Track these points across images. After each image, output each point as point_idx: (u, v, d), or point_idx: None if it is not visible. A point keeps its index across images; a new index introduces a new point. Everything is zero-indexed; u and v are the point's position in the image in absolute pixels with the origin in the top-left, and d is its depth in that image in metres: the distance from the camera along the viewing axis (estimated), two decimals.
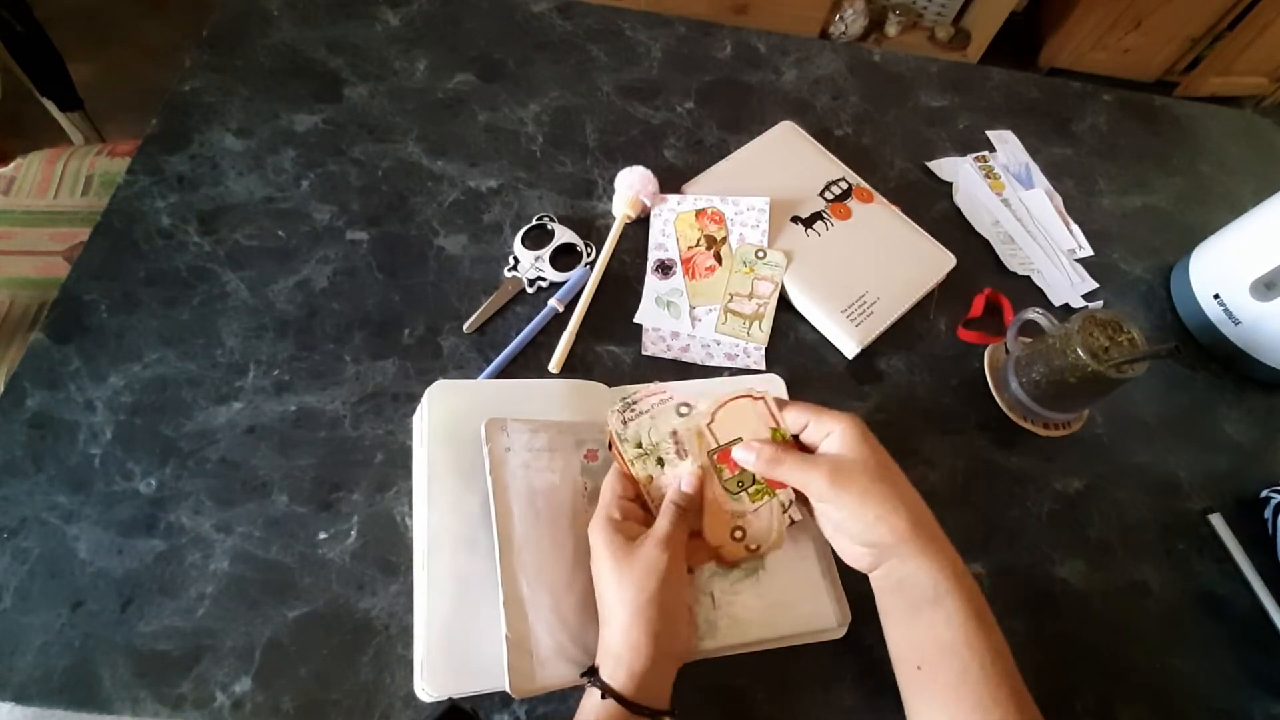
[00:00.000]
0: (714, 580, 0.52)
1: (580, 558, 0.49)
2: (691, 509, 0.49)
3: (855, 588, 0.54)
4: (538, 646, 0.47)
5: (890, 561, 0.45)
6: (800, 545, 0.55)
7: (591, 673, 0.45)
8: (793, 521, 0.50)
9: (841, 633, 0.53)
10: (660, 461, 0.50)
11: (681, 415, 0.50)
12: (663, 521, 0.47)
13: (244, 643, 0.49)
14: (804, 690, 0.52)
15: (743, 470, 0.49)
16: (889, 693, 0.52)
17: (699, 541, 0.50)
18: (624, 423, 0.50)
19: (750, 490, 0.50)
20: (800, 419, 0.48)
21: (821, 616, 0.52)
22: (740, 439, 0.49)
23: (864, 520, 0.44)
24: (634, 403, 0.51)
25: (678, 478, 0.49)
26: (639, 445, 0.50)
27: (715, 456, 0.49)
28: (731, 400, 0.50)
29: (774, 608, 0.52)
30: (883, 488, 0.44)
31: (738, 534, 0.49)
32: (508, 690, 0.45)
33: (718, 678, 0.51)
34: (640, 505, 0.51)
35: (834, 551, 0.55)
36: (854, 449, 0.45)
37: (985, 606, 0.44)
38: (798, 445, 0.49)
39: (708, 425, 0.50)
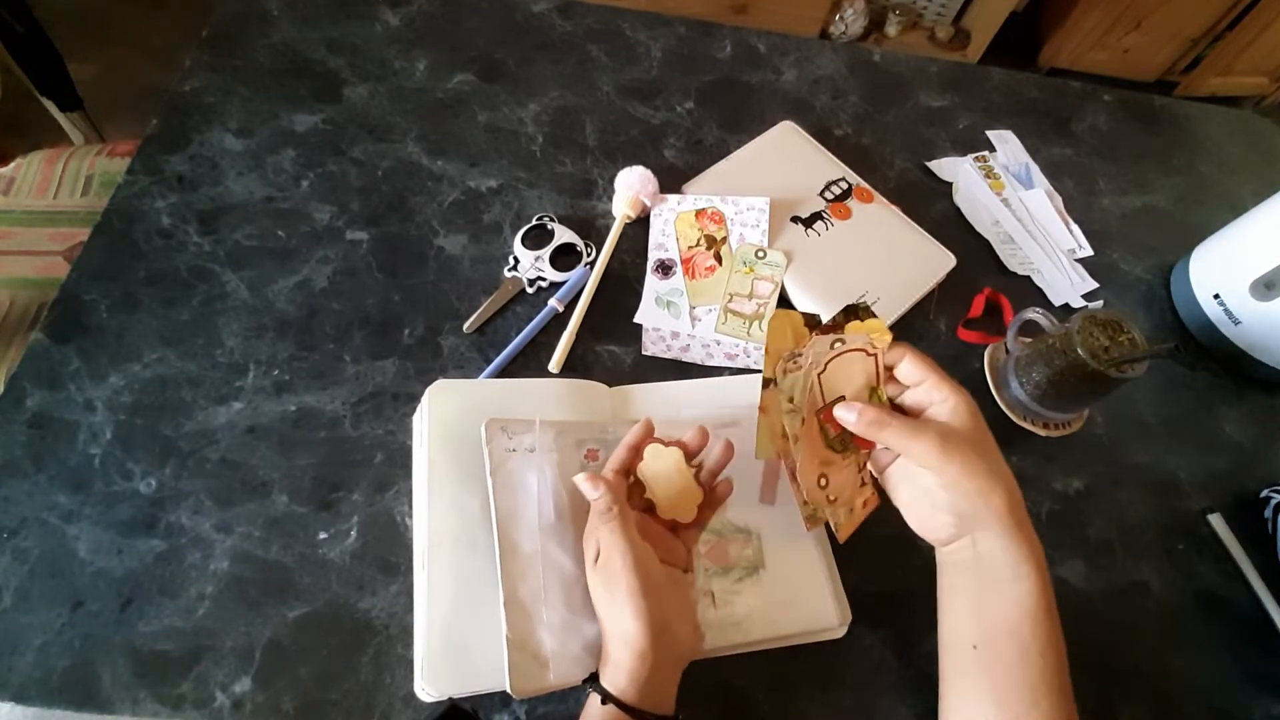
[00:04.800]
0: (714, 580, 0.52)
1: (579, 558, 0.49)
2: (622, 512, 0.47)
3: (855, 588, 0.54)
4: (539, 647, 0.47)
5: (973, 535, 0.44)
6: (801, 544, 0.55)
7: (593, 679, 0.45)
8: (862, 482, 0.49)
9: (842, 632, 0.53)
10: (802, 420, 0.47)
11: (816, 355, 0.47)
12: (608, 538, 0.46)
13: (244, 643, 0.49)
14: (804, 690, 0.52)
15: (844, 430, 0.47)
16: (889, 693, 0.53)
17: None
18: (784, 373, 0.47)
19: (840, 451, 0.48)
20: (916, 374, 0.46)
21: (822, 616, 0.52)
22: (843, 397, 0.47)
23: (962, 491, 0.43)
24: (797, 354, 0.47)
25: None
26: (791, 400, 0.47)
27: (821, 414, 0.47)
28: (847, 351, 0.47)
29: (775, 607, 0.52)
30: (987, 463, 0.43)
31: (823, 481, 0.48)
32: (509, 691, 0.45)
33: (718, 678, 0.51)
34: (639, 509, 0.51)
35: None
36: (964, 421, 0.44)
37: (1054, 600, 0.43)
38: (891, 404, 0.48)
39: (819, 375, 0.47)
